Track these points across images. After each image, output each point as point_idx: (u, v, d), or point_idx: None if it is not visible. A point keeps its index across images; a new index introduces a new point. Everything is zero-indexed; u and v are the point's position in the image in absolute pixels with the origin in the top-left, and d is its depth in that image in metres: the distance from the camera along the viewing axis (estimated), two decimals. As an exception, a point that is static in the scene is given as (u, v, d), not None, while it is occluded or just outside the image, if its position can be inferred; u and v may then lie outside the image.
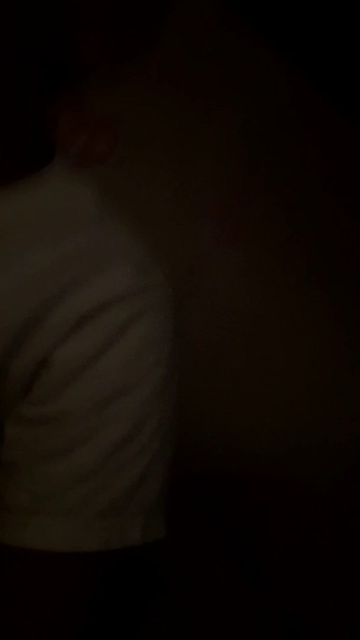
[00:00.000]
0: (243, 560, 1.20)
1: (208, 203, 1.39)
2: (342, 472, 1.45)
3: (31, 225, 0.59)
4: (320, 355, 1.46)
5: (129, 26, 0.55)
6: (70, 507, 0.59)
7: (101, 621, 0.66)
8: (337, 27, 1.35)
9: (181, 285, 1.42)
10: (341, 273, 1.47)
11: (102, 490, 0.59)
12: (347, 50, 1.36)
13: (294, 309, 1.46)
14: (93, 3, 0.54)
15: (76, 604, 0.61)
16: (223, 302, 1.43)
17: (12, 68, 0.55)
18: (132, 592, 0.92)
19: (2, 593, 0.60)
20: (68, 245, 0.60)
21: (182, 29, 1.32)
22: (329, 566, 1.21)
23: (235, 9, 1.34)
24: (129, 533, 0.61)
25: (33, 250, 0.59)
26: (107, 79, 0.59)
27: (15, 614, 0.60)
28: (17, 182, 0.59)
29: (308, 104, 1.44)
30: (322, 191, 1.46)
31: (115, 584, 0.66)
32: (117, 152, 1.29)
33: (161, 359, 0.61)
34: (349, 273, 1.47)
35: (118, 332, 0.59)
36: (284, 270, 1.45)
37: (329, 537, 1.25)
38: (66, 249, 0.60)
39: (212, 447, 1.42)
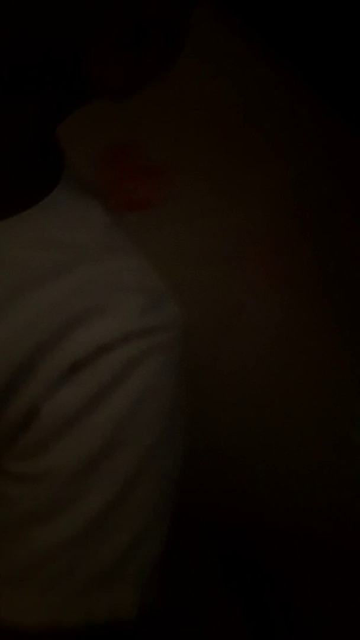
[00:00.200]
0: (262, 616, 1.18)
1: (250, 250, 1.39)
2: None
3: (32, 262, 0.53)
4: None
5: (146, 45, 0.49)
6: (50, 578, 0.53)
7: None
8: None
9: (219, 327, 1.44)
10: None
11: (88, 560, 0.53)
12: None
13: (333, 359, 1.45)
14: (107, 17, 0.48)
15: None
16: (261, 349, 1.42)
17: (17, 91, 0.49)
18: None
19: None
20: (69, 283, 0.54)
21: (227, 72, 1.33)
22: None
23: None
24: (120, 606, 0.55)
25: (32, 290, 0.53)
26: (124, 100, 0.52)
27: None
28: (20, 214, 0.54)
29: (354, 154, 1.45)
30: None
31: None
32: (167, 196, 1.29)
33: (163, 410, 0.55)
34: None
35: (115, 381, 0.53)
36: (325, 320, 1.44)
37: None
38: (66, 287, 0.53)
39: (252, 495, 1.39)
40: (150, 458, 0.55)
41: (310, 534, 1.31)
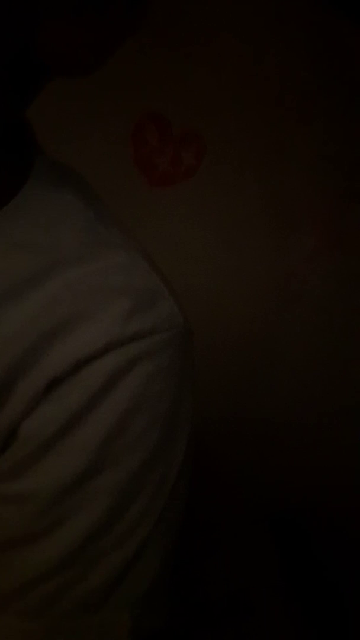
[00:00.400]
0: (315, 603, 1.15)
1: (304, 213, 1.33)
2: None
3: (7, 272, 0.47)
4: None
5: (106, 12, 0.43)
6: (37, 603, 0.49)
7: None
8: None
9: (279, 294, 1.40)
10: None
11: (74, 586, 0.49)
12: None
13: None
14: None
15: None
16: (320, 312, 1.37)
17: None
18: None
19: None
20: (47, 292, 0.48)
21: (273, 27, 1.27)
22: None
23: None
24: (111, 631, 0.50)
25: (7, 305, 0.47)
26: (87, 75, 0.45)
27: None
28: None
29: None
30: None
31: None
32: (209, 164, 1.26)
33: (157, 420, 0.49)
34: None
35: (98, 395, 0.47)
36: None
37: None
38: (44, 297, 0.47)
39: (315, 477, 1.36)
40: (144, 473, 0.50)
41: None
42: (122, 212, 0.58)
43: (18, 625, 0.49)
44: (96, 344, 0.47)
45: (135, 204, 1.23)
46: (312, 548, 1.21)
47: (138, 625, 0.51)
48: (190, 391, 0.52)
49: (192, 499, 0.55)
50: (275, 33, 1.25)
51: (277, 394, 1.38)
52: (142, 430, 0.49)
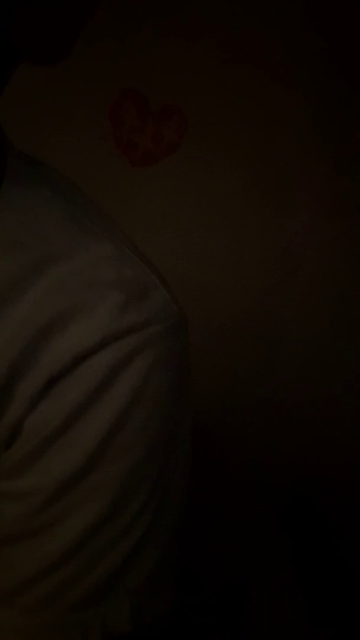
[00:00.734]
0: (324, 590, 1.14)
1: (296, 183, 1.30)
2: None
3: None
4: None
5: None
6: (38, 601, 0.50)
7: None
8: None
9: (279, 267, 1.37)
10: None
11: (77, 580, 0.50)
12: None
13: None
14: None
15: None
16: (319, 285, 1.34)
17: None
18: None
19: None
20: (39, 290, 0.48)
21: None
22: None
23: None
24: (113, 621, 0.51)
25: (1, 308, 0.47)
26: (57, 63, 0.45)
27: None
28: None
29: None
30: None
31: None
32: (192, 138, 1.22)
33: (156, 414, 0.49)
34: None
35: (97, 389, 0.47)
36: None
37: None
38: (36, 295, 0.48)
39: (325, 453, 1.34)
40: (145, 466, 0.50)
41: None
42: (106, 196, 0.58)
43: (21, 620, 0.50)
44: (92, 339, 0.47)
45: (119, 186, 1.19)
46: (325, 529, 1.20)
47: (139, 612, 0.52)
48: (188, 381, 0.52)
49: (194, 487, 0.56)
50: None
51: (279, 373, 1.35)
52: (142, 424, 0.49)
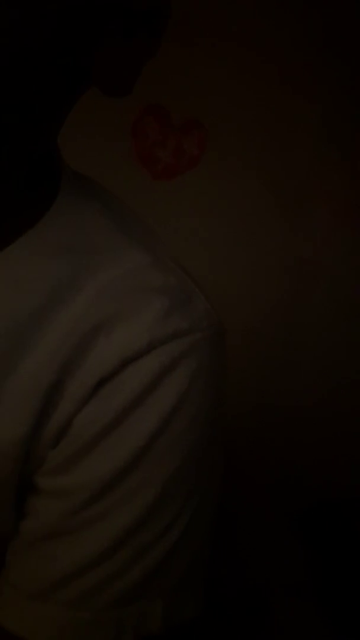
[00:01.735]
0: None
1: (313, 193, 1.31)
2: None
3: (52, 275, 0.50)
4: None
5: (137, 37, 0.47)
6: (77, 596, 0.51)
7: None
8: None
9: (294, 280, 1.38)
10: None
11: (115, 579, 0.51)
12: None
13: None
14: (109, 15, 0.45)
15: None
16: (338, 294, 1.35)
17: (26, 102, 0.45)
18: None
19: None
20: (89, 292, 0.50)
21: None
22: None
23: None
24: (146, 621, 0.53)
25: (54, 309, 0.50)
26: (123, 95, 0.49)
27: None
28: (33, 227, 0.50)
29: None
30: None
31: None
32: (212, 152, 1.24)
33: (197, 419, 0.51)
34: None
35: (144, 392, 0.49)
36: None
37: None
38: (87, 297, 0.50)
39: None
40: (184, 470, 0.51)
41: None
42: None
43: (59, 615, 0.51)
44: (140, 343, 0.49)
45: (139, 199, 1.21)
46: (347, 536, 1.19)
47: (171, 614, 0.53)
48: (224, 390, 0.53)
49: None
50: (274, 12, 1.23)
51: (301, 381, 1.36)
52: (184, 429, 0.50)
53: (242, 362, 1.31)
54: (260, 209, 1.30)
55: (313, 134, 1.28)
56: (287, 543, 1.20)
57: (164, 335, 0.49)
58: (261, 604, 1.15)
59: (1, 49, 0.41)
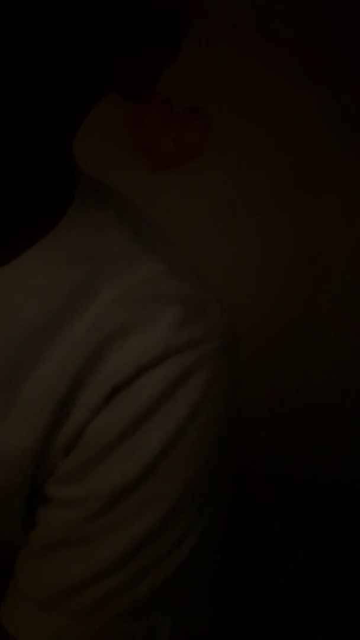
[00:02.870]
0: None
1: (324, 183, 1.27)
2: None
3: (67, 283, 0.50)
4: None
5: (157, 41, 0.47)
6: (86, 607, 0.51)
7: None
8: None
9: (308, 274, 1.35)
10: None
11: (125, 591, 0.51)
12: None
13: None
14: (129, 19, 0.45)
15: None
16: (354, 287, 1.32)
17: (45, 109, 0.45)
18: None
19: None
20: (103, 300, 0.51)
21: None
22: None
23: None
24: (155, 634, 0.53)
25: (68, 316, 0.50)
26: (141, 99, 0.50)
27: None
28: (47, 235, 0.50)
29: None
30: None
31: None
32: (215, 141, 1.20)
33: (212, 429, 0.51)
34: None
35: (158, 401, 0.49)
36: None
37: None
38: (101, 306, 0.50)
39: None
40: (197, 482, 0.51)
41: None
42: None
43: (67, 625, 0.51)
44: (154, 351, 0.49)
45: (140, 190, 1.18)
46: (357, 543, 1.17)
47: (179, 628, 0.53)
48: (236, 399, 0.53)
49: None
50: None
51: (315, 380, 1.33)
52: (198, 439, 0.50)
53: (246, 362, 1.28)
54: (267, 201, 1.25)
55: (323, 120, 1.23)
56: (296, 548, 1.18)
57: (179, 344, 0.50)
58: (270, 609, 1.14)
59: (14, 54, 0.41)
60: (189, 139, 1.21)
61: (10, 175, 0.47)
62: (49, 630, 0.52)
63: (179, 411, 0.49)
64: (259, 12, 1.18)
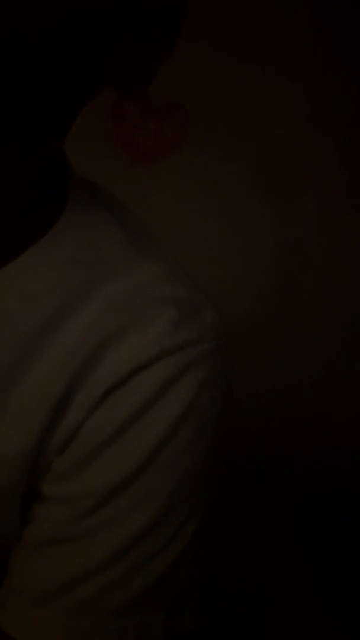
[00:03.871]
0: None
1: (303, 175, 1.28)
2: None
3: (61, 287, 0.51)
4: None
5: (151, 37, 0.46)
6: (79, 604, 0.52)
7: None
8: None
9: (287, 267, 1.35)
10: None
11: (117, 588, 0.52)
12: None
13: None
14: (121, 16, 0.45)
15: None
16: (334, 275, 1.32)
17: (36, 112, 0.45)
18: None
19: None
20: (98, 303, 0.51)
21: None
22: None
23: None
24: (147, 630, 0.53)
25: (63, 320, 0.51)
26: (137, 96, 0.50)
27: None
28: (41, 239, 0.51)
29: None
30: None
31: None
32: (195, 135, 1.20)
33: (203, 429, 0.52)
34: None
35: (150, 401, 0.50)
36: None
37: None
38: (95, 309, 0.51)
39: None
40: (190, 480, 0.52)
41: None
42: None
43: (60, 622, 0.52)
44: (149, 353, 0.50)
45: (120, 185, 1.18)
46: (345, 528, 1.18)
47: (171, 624, 0.54)
48: (229, 400, 0.54)
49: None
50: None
51: (296, 370, 1.33)
52: (191, 438, 0.51)
53: (235, 349, 1.28)
54: (246, 194, 1.26)
55: (301, 113, 1.24)
56: (285, 535, 1.19)
57: (173, 345, 0.50)
58: (259, 596, 1.15)
59: (8, 52, 0.41)
60: (168, 132, 1.21)
61: (3, 177, 0.47)
62: (42, 627, 0.52)
63: (172, 410, 0.50)
64: (234, 6, 1.18)
